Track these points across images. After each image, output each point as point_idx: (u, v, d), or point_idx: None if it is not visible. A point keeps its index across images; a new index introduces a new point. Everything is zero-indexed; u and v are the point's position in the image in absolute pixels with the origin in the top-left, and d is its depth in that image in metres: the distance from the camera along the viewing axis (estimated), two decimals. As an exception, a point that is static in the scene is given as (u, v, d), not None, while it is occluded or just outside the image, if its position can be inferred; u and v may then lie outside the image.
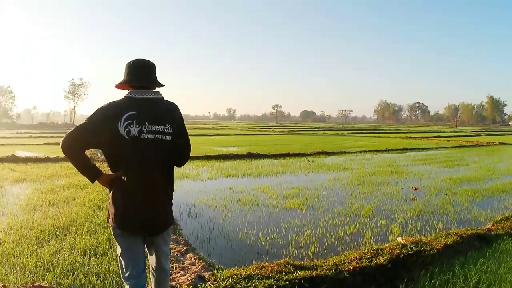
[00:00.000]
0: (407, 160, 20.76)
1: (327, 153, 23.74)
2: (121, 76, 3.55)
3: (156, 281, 3.71)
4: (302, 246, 6.78)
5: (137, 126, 3.22)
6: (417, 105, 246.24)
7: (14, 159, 18.19)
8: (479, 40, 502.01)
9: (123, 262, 3.48)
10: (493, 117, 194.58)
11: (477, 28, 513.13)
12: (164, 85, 3.50)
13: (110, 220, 3.39)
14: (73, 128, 3.20)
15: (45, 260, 5.72)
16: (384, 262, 5.26)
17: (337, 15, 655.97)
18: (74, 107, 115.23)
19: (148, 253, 3.69)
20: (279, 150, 24.92)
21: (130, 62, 3.43)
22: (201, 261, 5.59)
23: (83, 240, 6.60)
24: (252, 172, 15.63)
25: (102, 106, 3.27)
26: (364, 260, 5.29)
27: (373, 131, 69.10)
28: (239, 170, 16.00)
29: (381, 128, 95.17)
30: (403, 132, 65.08)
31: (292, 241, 7.00)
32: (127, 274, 3.46)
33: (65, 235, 6.98)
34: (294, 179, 14.11)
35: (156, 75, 3.53)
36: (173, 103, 3.53)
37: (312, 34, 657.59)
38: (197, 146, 27.35)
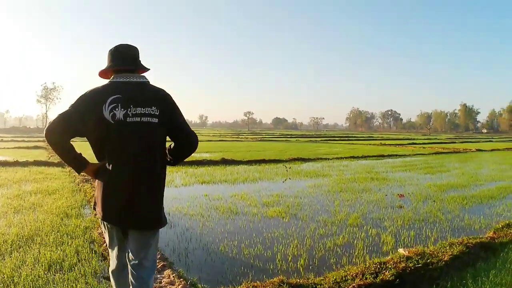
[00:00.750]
0: (386, 167, 20.39)
1: (303, 160, 23.26)
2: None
3: None
4: (289, 258, 6.18)
5: (122, 109, 3.09)
6: (390, 112, 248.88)
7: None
8: (453, 47, 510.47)
9: (110, 253, 3.50)
10: (466, 124, 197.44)
11: (450, 35, 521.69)
12: (149, 69, 3.43)
13: (96, 208, 3.32)
14: (56, 116, 3.07)
15: (6, 275, 5.05)
16: (390, 278, 4.67)
17: (312, 21, 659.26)
18: (47, 111, 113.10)
19: (128, 255, 3.41)
20: (254, 156, 24.38)
21: (112, 48, 3.35)
22: (181, 279, 4.92)
23: (48, 252, 5.90)
24: (227, 178, 15.01)
25: (85, 92, 3.17)
26: (368, 276, 4.69)
27: (346, 138, 69.26)
28: (214, 177, 15.33)
29: (353, 135, 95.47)
30: (376, 139, 65.39)
31: (279, 253, 6.40)
32: (113, 265, 3.48)
33: (29, 246, 6.28)
34: (272, 186, 13.52)
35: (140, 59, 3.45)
36: (162, 88, 3.41)
37: (284, 40, 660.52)
38: (168, 153, 26.58)
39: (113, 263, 3.47)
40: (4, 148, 29.49)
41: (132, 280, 3.34)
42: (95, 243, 6.55)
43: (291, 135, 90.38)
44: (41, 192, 11.03)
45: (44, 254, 5.80)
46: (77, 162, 3.17)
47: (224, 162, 20.69)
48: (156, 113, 3.19)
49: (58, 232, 7.07)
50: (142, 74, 3.38)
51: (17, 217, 8.09)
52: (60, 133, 3.03)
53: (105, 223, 3.33)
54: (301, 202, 10.57)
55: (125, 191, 3.15)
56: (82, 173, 3.55)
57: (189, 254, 6.37)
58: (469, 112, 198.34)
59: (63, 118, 3.02)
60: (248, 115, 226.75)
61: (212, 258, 6.24)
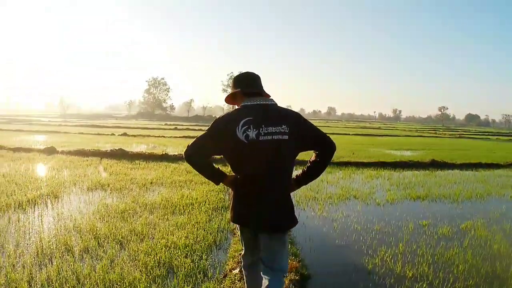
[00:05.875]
0: None
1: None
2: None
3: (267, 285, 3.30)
4: None
5: (254, 130, 3.11)
6: None
7: (121, 154, 15.60)
8: None
9: (243, 251, 3.56)
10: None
11: None
12: (270, 96, 3.40)
13: (231, 215, 3.38)
14: (195, 138, 3.20)
15: None
16: None
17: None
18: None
19: (262, 253, 3.41)
20: (463, 157, 19.48)
21: (239, 74, 3.45)
22: None
23: None
24: (446, 192, 10.62)
25: (221, 116, 3.26)
26: None
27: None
28: (428, 188, 11.09)
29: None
30: None
31: None
32: (245, 261, 3.58)
33: None
34: (510, 207, 9.12)
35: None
36: (288, 108, 3.40)
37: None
38: (364, 148, 22.92)
39: (246, 259, 3.56)
40: (170, 136, 27.51)
41: (266, 274, 3.33)
42: None
43: (486, 132, 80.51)
44: (139, 232, 7.75)
45: None
46: (215, 176, 3.29)
47: (434, 164, 16.30)
48: (286, 130, 3.14)
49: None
50: (271, 98, 3.34)
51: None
52: (196, 154, 3.16)
53: (237, 225, 3.48)
54: None
55: (258, 197, 3.16)
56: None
57: None
58: None
59: (200, 140, 3.15)
60: (442, 110, 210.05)
61: None
